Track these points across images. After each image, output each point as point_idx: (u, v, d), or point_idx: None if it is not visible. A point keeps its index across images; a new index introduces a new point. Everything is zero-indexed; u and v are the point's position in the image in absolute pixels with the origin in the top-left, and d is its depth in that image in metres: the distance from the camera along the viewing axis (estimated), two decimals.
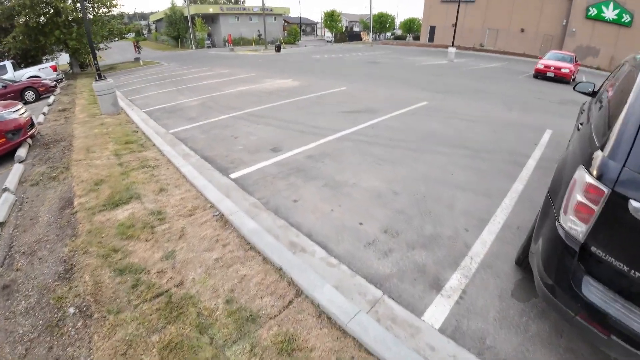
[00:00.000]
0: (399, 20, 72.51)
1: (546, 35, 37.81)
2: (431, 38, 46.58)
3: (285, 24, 63.99)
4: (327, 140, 6.35)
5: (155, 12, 65.90)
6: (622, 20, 31.86)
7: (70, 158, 6.16)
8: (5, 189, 4.91)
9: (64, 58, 28.28)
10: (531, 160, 5.50)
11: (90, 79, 21.27)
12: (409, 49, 38.69)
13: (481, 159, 5.51)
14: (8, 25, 22.05)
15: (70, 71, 26.82)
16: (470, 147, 6.00)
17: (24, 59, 24.63)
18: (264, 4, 42.54)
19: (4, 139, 6.42)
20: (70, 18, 23.59)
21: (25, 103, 14.74)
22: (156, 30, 65.79)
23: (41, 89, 15.49)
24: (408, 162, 5.32)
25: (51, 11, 22.91)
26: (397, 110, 8.35)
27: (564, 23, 36.06)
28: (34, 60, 24.32)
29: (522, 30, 39.12)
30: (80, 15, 24.09)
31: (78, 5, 25.07)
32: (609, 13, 32.58)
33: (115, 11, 27.14)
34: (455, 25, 28.81)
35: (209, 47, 48.82)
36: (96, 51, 28.66)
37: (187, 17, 48.70)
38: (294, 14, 63.52)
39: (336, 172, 5.02)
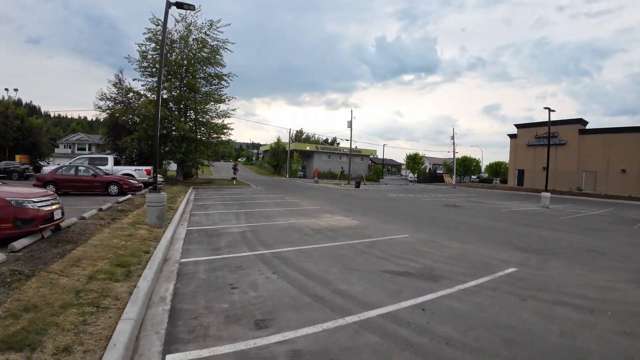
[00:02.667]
0: (484, 163, 70.60)
1: None
2: (520, 182, 42.90)
3: (372, 163, 66.95)
4: (343, 324, 3.84)
5: (265, 145, 75.64)
6: None
7: (49, 266, 4.84)
8: None
9: (174, 166, 31.88)
10: None
11: (185, 187, 22.64)
12: (494, 193, 35.41)
13: None
14: (132, 128, 25.66)
15: (174, 178, 29.57)
16: None
17: (139, 159, 28.05)
18: (351, 148, 45.14)
19: (11, 224, 5.86)
20: (187, 136, 26.75)
21: (108, 195, 15.65)
22: (262, 158, 74.33)
23: (125, 187, 16.29)
24: None
25: (172, 127, 26.42)
26: (469, 280, 5.55)
27: None
28: (146, 162, 27.43)
29: (623, 170, 33.69)
30: (192, 134, 27.38)
31: (198, 127, 28.89)
32: None
33: (224, 138, 30.53)
34: (547, 170, 25.57)
35: (300, 176, 52.03)
36: (200, 165, 32.31)
37: (287, 151, 54.08)
38: (381, 155, 66.50)
39: None
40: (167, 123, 26.48)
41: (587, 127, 39.13)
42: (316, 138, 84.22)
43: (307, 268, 5.95)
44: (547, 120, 25.10)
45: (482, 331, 3.77)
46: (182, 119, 27.89)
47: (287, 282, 5.26)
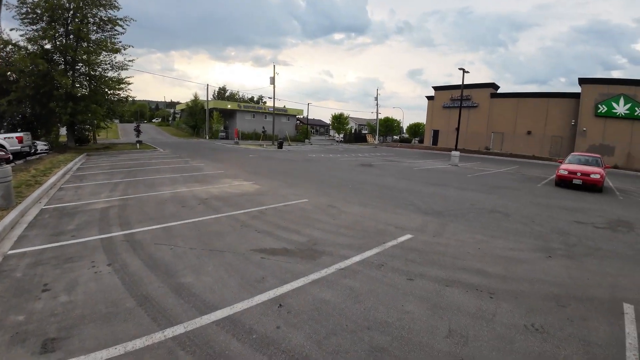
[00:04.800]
0: (405, 124, 73.66)
1: (555, 137, 35.60)
2: (435, 141, 45.33)
3: (299, 123, 65.39)
4: (159, 341, 2.71)
5: (181, 103, 69.00)
6: (635, 113, 29.68)
7: None
8: None
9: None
10: None
11: (75, 155, 19.07)
12: (411, 152, 36.85)
13: None
14: (11, 88, 20.86)
15: (65, 144, 25.10)
16: None
17: (24, 124, 23.11)
18: (274, 106, 42.95)
19: None
20: (72, 93, 22.55)
21: None
22: (180, 118, 67.99)
23: None
24: None
25: (57, 84, 21.93)
26: (354, 255, 4.69)
27: (573, 123, 34.05)
28: (31, 128, 22.73)
29: (529, 132, 37.20)
30: (79, 91, 23.21)
31: (78, 85, 24.57)
32: (620, 108, 30.42)
33: (122, 94, 26.52)
34: (457, 129, 26.79)
35: (222, 138, 48.64)
36: (97, 128, 28.01)
37: (206, 110, 49.78)
38: (309, 115, 65.06)
39: None
40: (49, 79, 21.74)
41: (499, 91, 41.95)
42: (241, 96, 79.13)
43: (159, 254, 4.59)
44: (457, 81, 25.90)
45: (346, 336, 2.82)
46: (70, 73, 23.24)
47: (120, 277, 3.91)
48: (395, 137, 67.96)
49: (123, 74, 26.22)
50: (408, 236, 5.69)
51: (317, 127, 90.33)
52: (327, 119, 76.10)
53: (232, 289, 3.62)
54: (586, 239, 6.37)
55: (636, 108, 29.65)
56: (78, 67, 24.57)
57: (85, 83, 25.03)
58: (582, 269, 4.76)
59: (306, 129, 52.21)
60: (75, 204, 7.65)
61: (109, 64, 25.37)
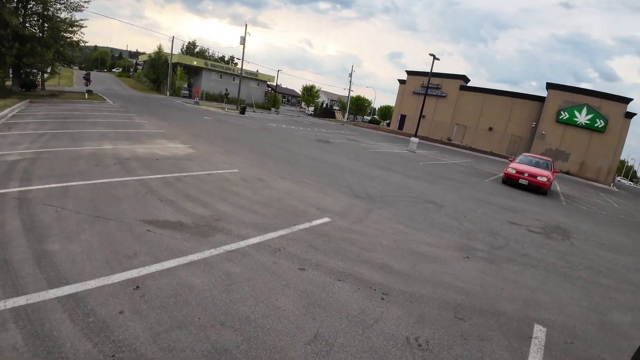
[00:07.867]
0: (377, 105, 73.65)
1: (514, 137, 36.79)
2: (401, 126, 45.69)
3: (270, 90, 63.33)
4: None
5: (144, 54, 64.20)
6: (595, 125, 30.85)
7: None
8: None
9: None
10: None
11: (16, 101, 17.08)
12: (375, 133, 36.96)
13: None
14: None
15: (9, 88, 22.65)
16: None
17: None
18: (242, 68, 41.04)
19: None
20: (20, 33, 20.17)
21: None
22: (142, 70, 63.54)
23: None
24: None
25: (4, 24, 19.44)
26: (254, 236, 4.37)
27: (534, 125, 35.15)
28: None
29: (490, 129, 38.27)
30: (26, 32, 20.90)
31: (28, 25, 22.20)
32: (582, 118, 31.57)
33: (75, 38, 24.36)
34: (420, 116, 27.04)
35: (185, 96, 46.15)
36: (45, 73, 25.70)
37: (169, 64, 46.73)
38: (280, 82, 63.02)
39: None
40: None
41: (469, 85, 42.43)
42: (211, 54, 74.85)
43: (41, 215, 4.07)
44: (434, 69, 25.77)
45: (191, 332, 2.48)
46: (21, 12, 21.07)
47: None
48: (366, 117, 67.84)
49: (77, 16, 23.99)
50: (325, 220, 5.48)
51: (290, 97, 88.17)
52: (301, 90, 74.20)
53: (96, 262, 3.23)
54: (515, 242, 6.10)
55: (597, 120, 30.84)
56: (30, 6, 22.07)
57: (35, 23, 22.80)
58: (498, 277, 4.43)
59: (273, 97, 50.62)
60: None
61: (62, 3, 22.96)
